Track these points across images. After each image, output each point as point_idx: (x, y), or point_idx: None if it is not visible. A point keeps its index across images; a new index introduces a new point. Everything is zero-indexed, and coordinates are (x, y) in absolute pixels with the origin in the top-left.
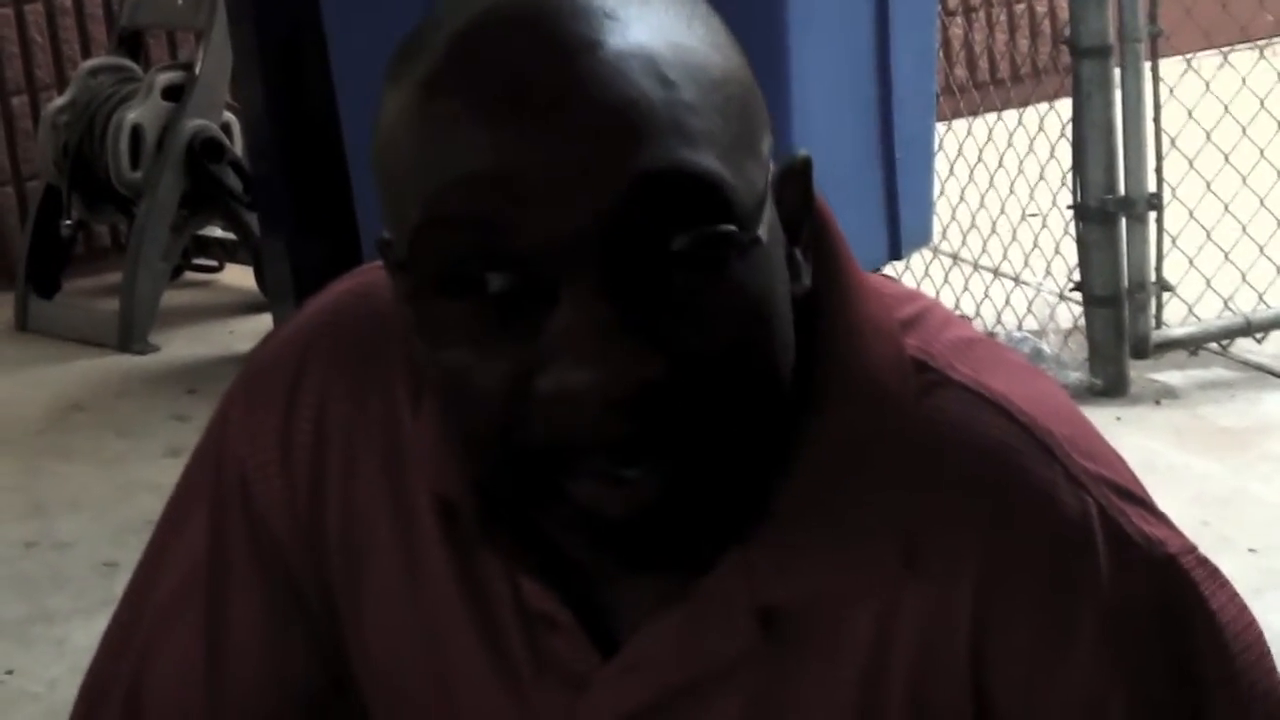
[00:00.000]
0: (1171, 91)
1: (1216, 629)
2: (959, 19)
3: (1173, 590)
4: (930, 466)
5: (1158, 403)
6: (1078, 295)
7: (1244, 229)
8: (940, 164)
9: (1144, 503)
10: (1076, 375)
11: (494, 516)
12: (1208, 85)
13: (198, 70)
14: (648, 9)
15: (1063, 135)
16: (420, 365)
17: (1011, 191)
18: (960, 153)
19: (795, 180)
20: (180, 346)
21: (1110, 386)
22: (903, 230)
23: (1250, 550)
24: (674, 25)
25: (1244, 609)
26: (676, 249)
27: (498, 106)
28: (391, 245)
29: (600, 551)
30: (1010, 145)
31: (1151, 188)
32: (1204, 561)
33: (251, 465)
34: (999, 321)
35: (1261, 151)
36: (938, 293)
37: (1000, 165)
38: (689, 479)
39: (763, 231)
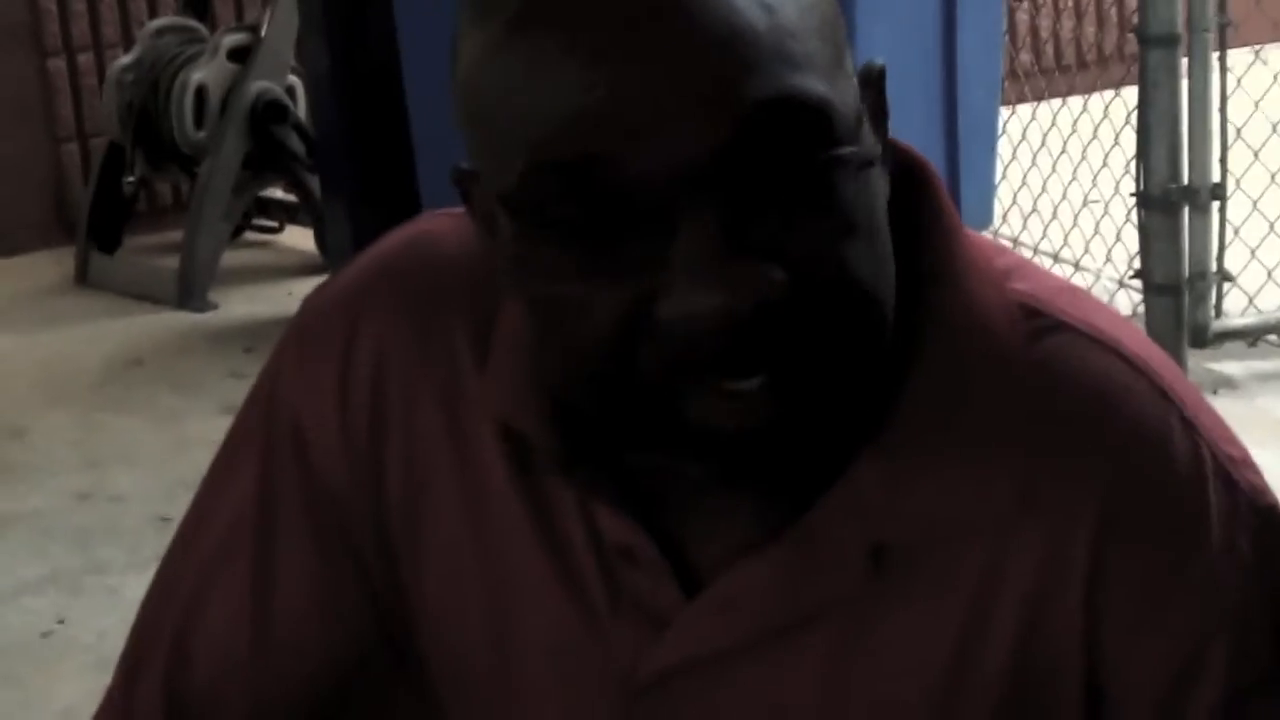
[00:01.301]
0: (1239, 82)
1: None
2: (1025, 4)
3: (1275, 538)
4: (1046, 406)
5: (1215, 392)
6: (1138, 283)
7: None
8: (1003, 148)
9: (1243, 451)
10: None
11: (576, 450)
12: (1276, 77)
13: (263, 33)
14: None
15: (1127, 123)
16: (515, 301)
17: (1074, 178)
18: (1024, 137)
19: (873, 87)
20: (239, 305)
21: None
22: (963, 211)
23: None
24: None
25: None
26: (791, 172)
27: (601, 40)
28: (478, 179)
29: (712, 471)
30: (1074, 131)
31: (1215, 177)
32: None
33: (306, 415)
34: None
35: None
36: None
37: (1064, 151)
38: (802, 394)
39: (868, 148)
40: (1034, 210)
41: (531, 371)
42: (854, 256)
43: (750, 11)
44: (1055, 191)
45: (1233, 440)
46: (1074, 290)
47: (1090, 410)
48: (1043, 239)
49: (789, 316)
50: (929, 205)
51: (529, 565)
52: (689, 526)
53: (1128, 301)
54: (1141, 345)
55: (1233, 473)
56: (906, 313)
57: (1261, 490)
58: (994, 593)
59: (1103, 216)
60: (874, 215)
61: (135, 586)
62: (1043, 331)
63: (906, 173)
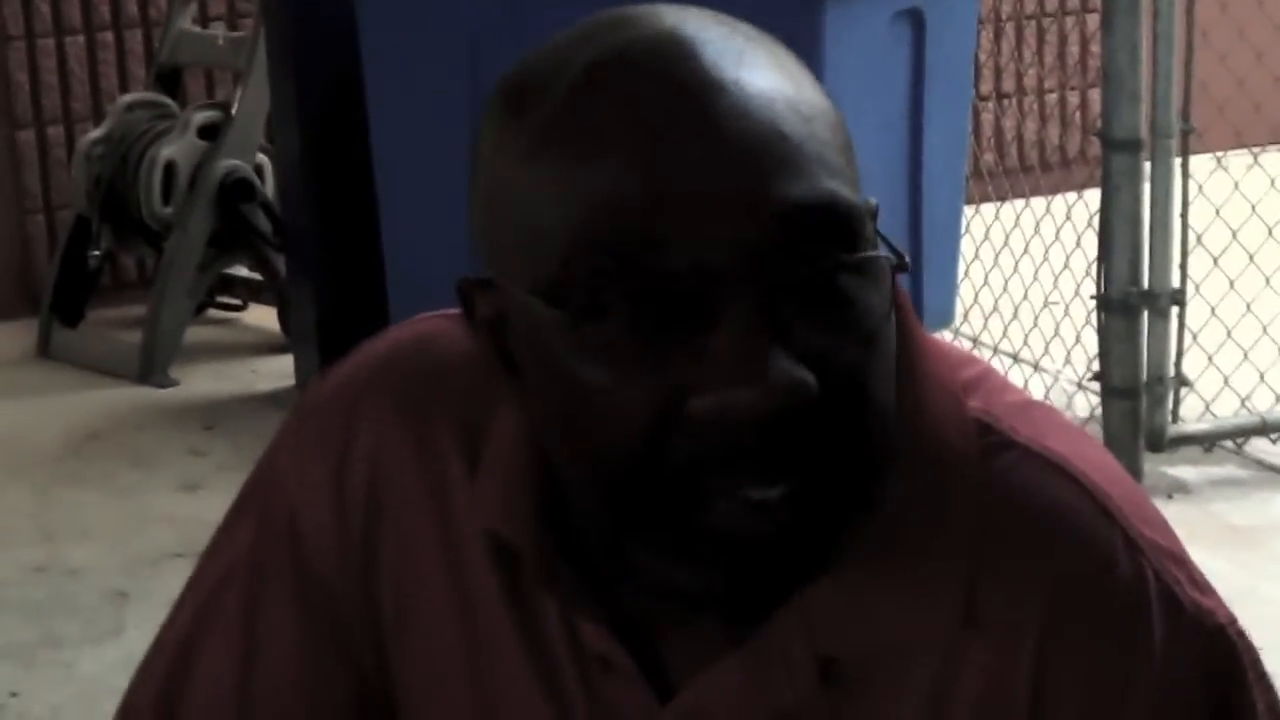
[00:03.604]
0: (1200, 189)
1: (1255, 701)
2: (991, 105)
3: (1221, 660)
4: (995, 527)
5: (1170, 497)
6: (1096, 385)
7: (1264, 329)
8: (965, 247)
9: (1192, 570)
10: None
11: (561, 559)
12: (1236, 184)
13: (234, 110)
14: (765, 52)
15: (1089, 225)
16: (532, 399)
17: (1035, 279)
18: (986, 237)
19: (871, 219)
20: (200, 382)
21: None
22: (925, 311)
23: (1258, 648)
24: (790, 67)
25: (1273, 688)
26: (824, 275)
27: (650, 132)
28: (488, 287)
29: (712, 581)
30: (1036, 232)
31: (1175, 283)
32: (1244, 634)
33: (301, 505)
34: None
35: None
36: None
37: (1025, 252)
38: (816, 505)
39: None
40: (995, 310)
41: (525, 479)
42: (874, 369)
43: (790, 118)
44: (1016, 292)
45: (1183, 560)
46: (1031, 406)
47: (1034, 531)
48: (1003, 339)
49: (813, 423)
50: (896, 321)
51: (512, 667)
52: (663, 636)
53: (1085, 404)
54: (1091, 464)
55: (1178, 594)
56: None
57: (1209, 610)
58: (944, 708)
59: (1063, 318)
60: (890, 326)
61: (89, 661)
62: (993, 449)
63: None
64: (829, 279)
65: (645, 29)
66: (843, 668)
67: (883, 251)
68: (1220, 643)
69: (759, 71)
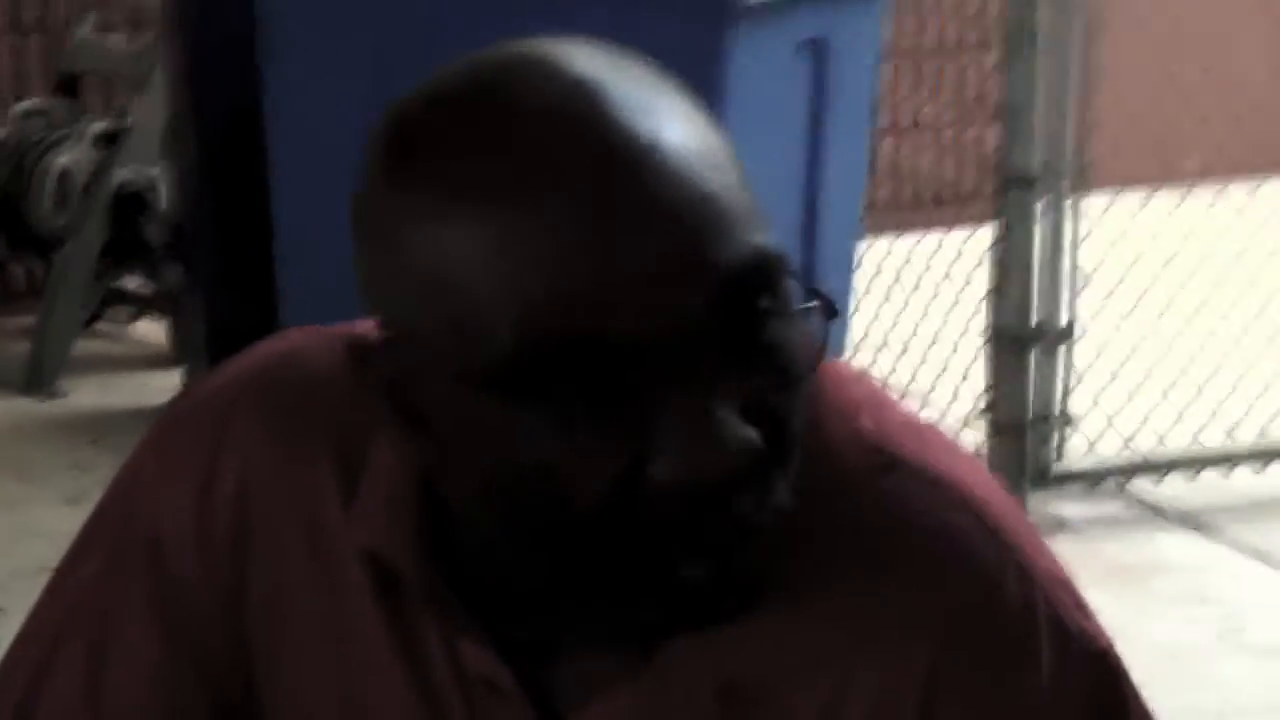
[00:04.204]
0: (1089, 229)
1: None
2: (888, 139)
3: (1106, 683)
4: (886, 549)
5: (1053, 534)
6: (983, 421)
7: (1150, 370)
8: (858, 281)
9: (1077, 595)
10: None
11: (448, 583)
12: (1129, 223)
13: (131, 120)
14: (664, 99)
15: (981, 261)
16: (465, 466)
17: (926, 313)
18: (879, 271)
19: None
20: (87, 395)
21: None
22: None
23: (1139, 686)
24: (687, 110)
25: (1151, 713)
26: (757, 329)
27: (580, 211)
28: (390, 349)
29: (669, 613)
30: (928, 267)
31: (1065, 320)
32: (1121, 660)
33: (163, 519)
34: None
35: (1174, 295)
36: None
37: (917, 287)
38: (748, 540)
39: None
40: (885, 344)
41: (407, 506)
42: (795, 406)
43: (709, 176)
44: (907, 327)
45: (1068, 585)
46: (921, 426)
47: (924, 553)
48: (891, 373)
49: (757, 471)
50: None
51: (392, 689)
52: (551, 658)
53: (972, 440)
54: (981, 486)
55: (1065, 618)
56: None
57: (1094, 635)
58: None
59: (952, 354)
60: (804, 364)
61: None
62: (886, 469)
63: None
64: (760, 330)
65: (548, 83)
66: (738, 690)
67: (813, 299)
68: (1105, 667)
69: (670, 125)
